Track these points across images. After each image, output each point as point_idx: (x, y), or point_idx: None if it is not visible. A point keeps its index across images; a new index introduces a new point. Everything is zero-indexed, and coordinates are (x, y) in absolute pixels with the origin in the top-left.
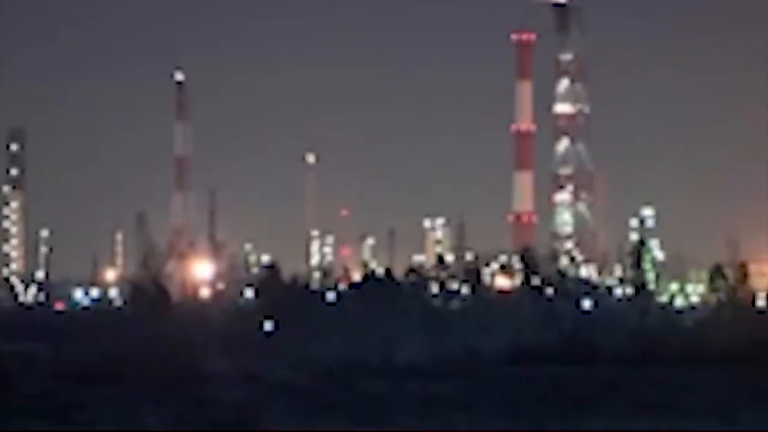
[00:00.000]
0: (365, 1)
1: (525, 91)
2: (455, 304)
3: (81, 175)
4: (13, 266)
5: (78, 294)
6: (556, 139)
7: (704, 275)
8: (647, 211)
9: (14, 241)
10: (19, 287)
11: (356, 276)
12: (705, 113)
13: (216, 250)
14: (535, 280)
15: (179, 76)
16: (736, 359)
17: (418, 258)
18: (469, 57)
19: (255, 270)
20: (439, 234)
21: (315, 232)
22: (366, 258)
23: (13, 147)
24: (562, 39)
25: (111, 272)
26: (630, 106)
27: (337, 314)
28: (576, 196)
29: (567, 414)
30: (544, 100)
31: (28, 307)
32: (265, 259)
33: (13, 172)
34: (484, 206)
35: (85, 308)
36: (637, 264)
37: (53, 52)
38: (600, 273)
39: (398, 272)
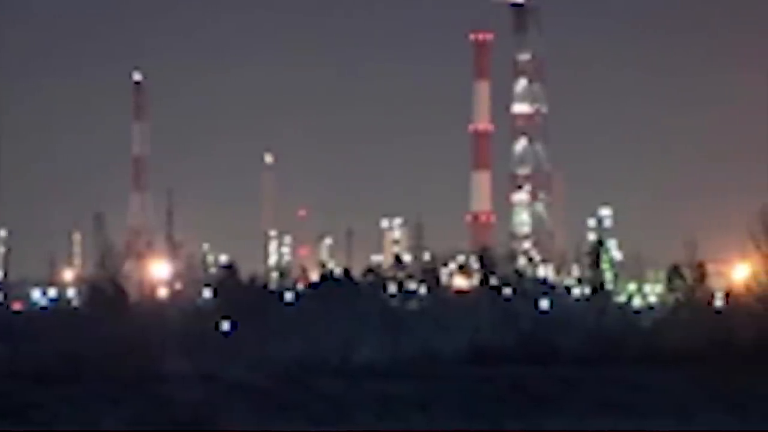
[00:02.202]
0: (323, 1)
1: (482, 90)
2: (413, 304)
3: (38, 175)
4: None
5: (36, 294)
6: (514, 138)
7: (662, 275)
8: (605, 211)
9: None
10: None
11: (314, 276)
12: (663, 113)
13: (174, 250)
14: (493, 280)
15: (137, 76)
16: (694, 359)
17: (376, 258)
18: (427, 57)
19: (213, 270)
20: (396, 234)
21: (273, 232)
22: (324, 258)
23: None
24: (519, 39)
25: (69, 272)
26: (587, 106)
27: (295, 314)
28: (534, 196)
29: (525, 414)
30: (502, 99)
31: None
32: (223, 259)
33: None
34: (442, 206)
35: (43, 308)
36: (595, 264)
37: (8, 51)
38: (558, 273)
39: (356, 272)
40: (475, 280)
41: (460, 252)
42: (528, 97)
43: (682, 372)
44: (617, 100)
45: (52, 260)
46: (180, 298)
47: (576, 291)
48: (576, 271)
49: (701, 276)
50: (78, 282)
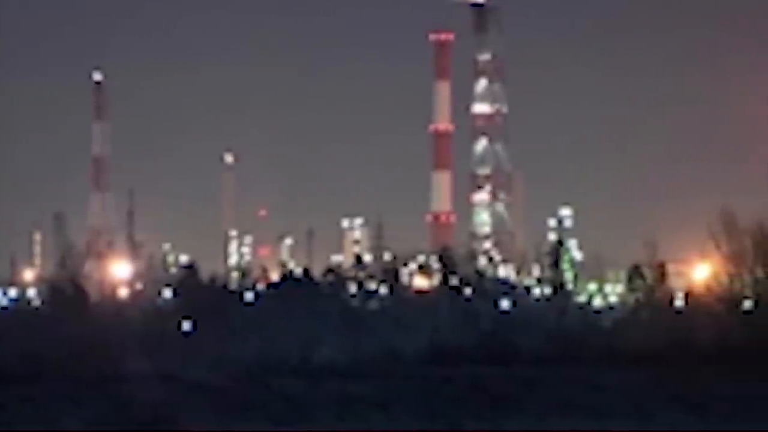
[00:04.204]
0: (283, 1)
1: (443, 91)
2: (373, 304)
3: None
4: None
5: None
6: (474, 139)
7: (622, 275)
8: (565, 211)
9: None
10: None
11: (274, 276)
12: (623, 113)
13: (134, 250)
14: (454, 280)
15: (97, 76)
16: (654, 359)
17: (337, 258)
18: (387, 57)
19: (173, 270)
20: (357, 234)
21: (233, 232)
22: (284, 258)
23: None
24: (480, 39)
25: (29, 272)
26: (548, 106)
27: (256, 314)
28: (494, 196)
29: (486, 414)
30: (462, 100)
31: None
32: (184, 259)
33: None
34: (403, 206)
35: (3, 308)
36: (555, 264)
37: None
38: (518, 273)
39: (316, 272)
40: (436, 280)
41: (421, 252)
42: (488, 97)
43: (643, 372)
44: (578, 101)
45: (12, 260)
46: (140, 298)
47: (536, 291)
48: (536, 271)
49: (661, 276)
50: (38, 282)
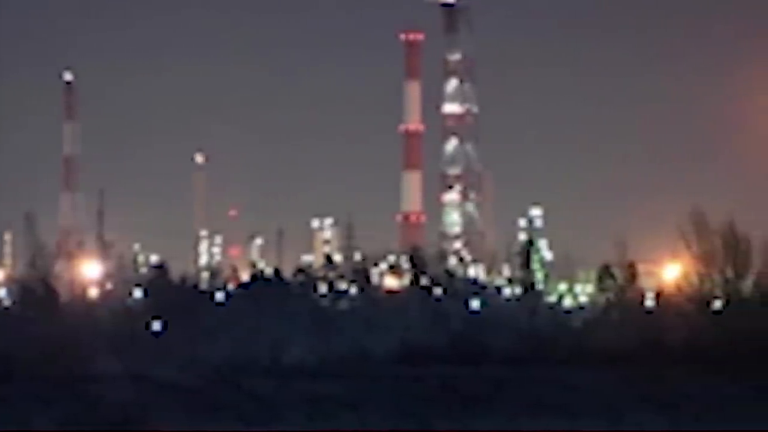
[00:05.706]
0: (253, 1)
1: (413, 91)
2: (344, 304)
3: None
4: None
5: None
6: (445, 139)
7: (593, 275)
8: (535, 211)
9: None
10: None
11: (245, 276)
12: (593, 113)
13: (104, 250)
14: (424, 280)
15: (68, 76)
16: (625, 359)
17: (307, 258)
18: (357, 56)
19: (144, 270)
20: (327, 234)
21: (204, 232)
22: (254, 258)
23: None
24: (450, 39)
25: None
26: (518, 106)
27: (226, 314)
28: (464, 196)
29: (456, 414)
30: (433, 100)
31: None
32: (154, 259)
33: None
34: (373, 206)
35: None
36: (526, 264)
37: None
38: (488, 273)
39: (287, 272)
40: (406, 280)
41: (391, 252)
42: (458, 97)
43: (613, 372)
44: (547, 100)
45: None
46: (111, 298)
47: (507, 291)
48: (507, 271)
49: (632, 276)
50: (9, 282)
